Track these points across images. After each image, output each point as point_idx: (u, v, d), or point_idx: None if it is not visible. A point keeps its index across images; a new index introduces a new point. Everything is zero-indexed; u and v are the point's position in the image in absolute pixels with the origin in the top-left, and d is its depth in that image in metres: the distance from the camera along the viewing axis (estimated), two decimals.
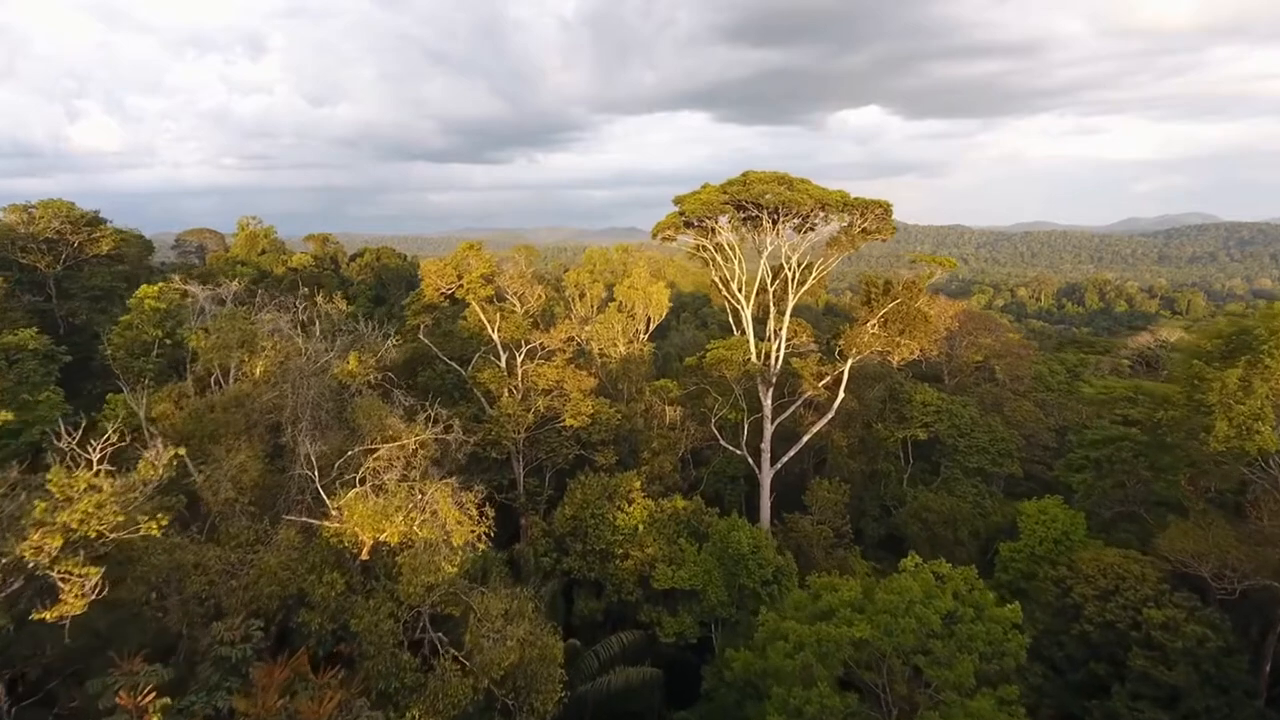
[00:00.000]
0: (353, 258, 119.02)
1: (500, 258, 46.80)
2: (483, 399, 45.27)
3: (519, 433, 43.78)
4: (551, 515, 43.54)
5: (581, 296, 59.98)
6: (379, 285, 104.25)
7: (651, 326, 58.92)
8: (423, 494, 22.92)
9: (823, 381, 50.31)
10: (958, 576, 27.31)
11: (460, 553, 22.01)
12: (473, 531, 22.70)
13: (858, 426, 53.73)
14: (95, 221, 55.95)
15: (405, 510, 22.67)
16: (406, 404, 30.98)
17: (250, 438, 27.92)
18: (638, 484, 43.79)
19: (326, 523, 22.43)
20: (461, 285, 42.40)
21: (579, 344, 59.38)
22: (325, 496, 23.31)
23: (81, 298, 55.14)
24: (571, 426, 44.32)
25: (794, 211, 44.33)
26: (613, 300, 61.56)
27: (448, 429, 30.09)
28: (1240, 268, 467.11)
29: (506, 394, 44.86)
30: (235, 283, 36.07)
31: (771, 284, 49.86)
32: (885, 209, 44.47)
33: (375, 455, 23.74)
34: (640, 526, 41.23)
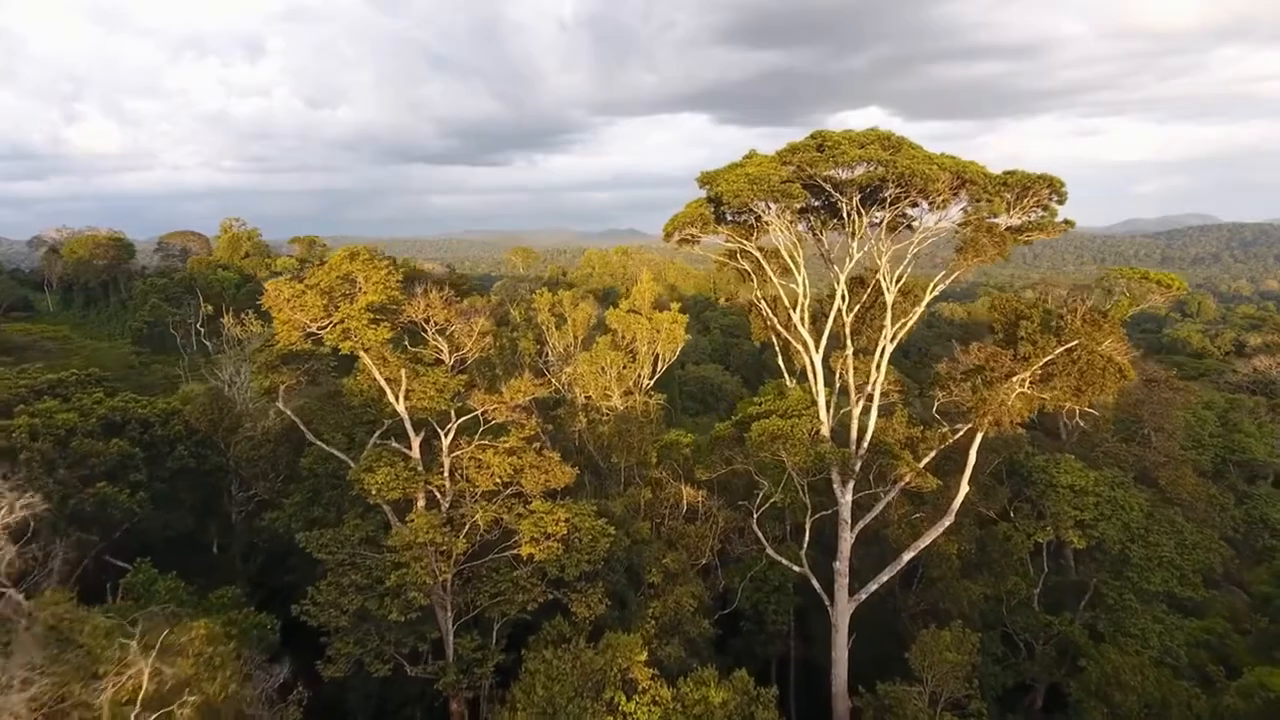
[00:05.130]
0: None
1: (411, 269, 28.70)
2: (389, 510, 27.10)
3: (444, 570, 25.68)
4: (496, 711, 25.43)
5: (560, 325, 41.79)
6: None
7: (661, 369, 40.78)
8: None
9: (926, 461, 32.41)
10: None
11: None
12: None
13: (971, 523, 35.73)
14: None
15: None
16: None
17: None
18: (642, 656, 25.73)
19: None
20: (335, 322, 24.19)
21: (558, 391, 41.37)
22: None
23: None
24: (533, 557, 26.21)
25: (906, 193, 26.35)
26: (609, 325, 43.15)
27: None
28: (1244, 269, 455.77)
29: (421, 502, 26.74)
30: None
31: (848, 311, 31.92)
32: (1054, 186, 26.60)
33: None
34: None
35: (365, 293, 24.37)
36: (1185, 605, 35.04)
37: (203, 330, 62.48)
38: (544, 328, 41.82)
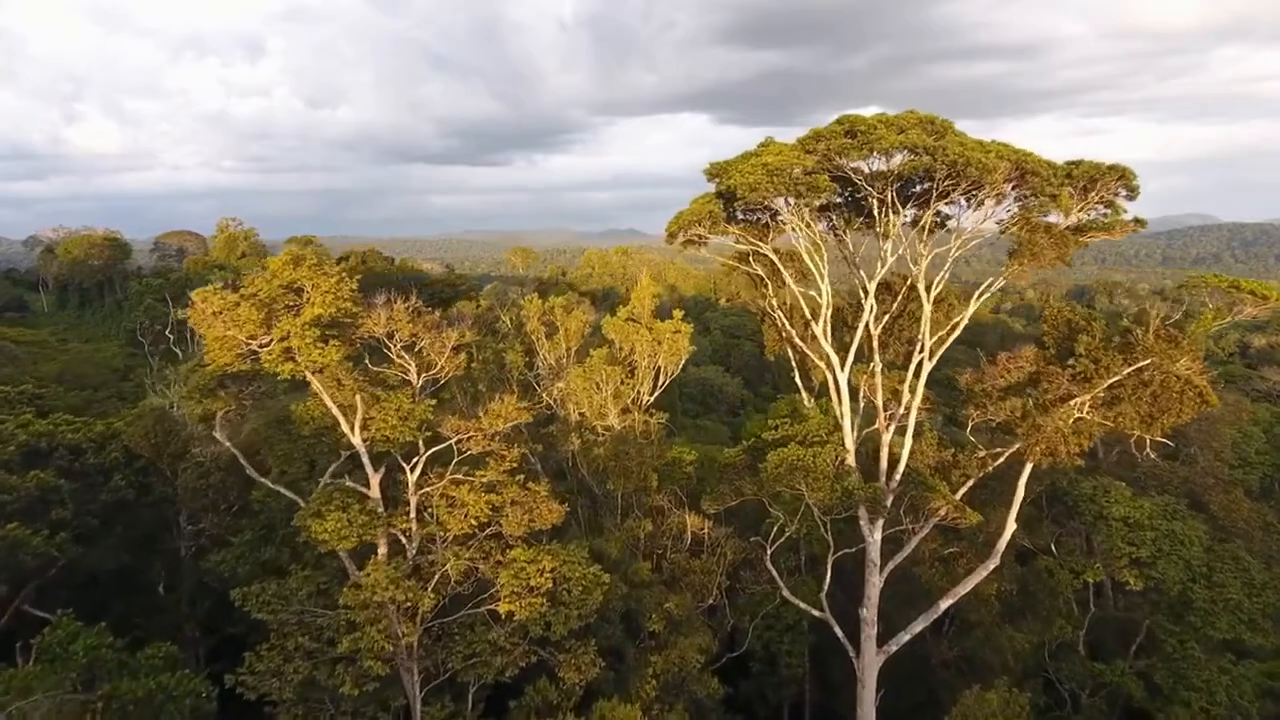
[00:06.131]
0: (338, 261, 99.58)
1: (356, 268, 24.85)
2: (345, 557, 23.13)
3: (408, 632, 21.75)
4: None
5: (550, 334, 37.85)
6: (362, 291, 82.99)
7: (662, 384, 36.86)
8: None
9: (963, 491, 28.55)
10: None
11: None
12: None
13: (1011, 559, 31.83)
14: None
15: None
16: None
17: None
18: None
19: None
20: (277, 339, 20.24)
21: (549, 407, 37.51)
22: None
23: None
24: (513, 615, 22.26)
25: (955, 186, 22.45)
26: (606, 335, 39.08)
27: None
28: (1245, 269, 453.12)
29: (383, 549, 22.80)
30: None
31: (875, 323, 27.98)
32: (1125, 179, 22.75)
33: None
34: None
35: (312, 304, 20.40)
36: (1255, 653, 31.21)
37: (172, 337, 58.38)
38: (533, 338, 37.91)
